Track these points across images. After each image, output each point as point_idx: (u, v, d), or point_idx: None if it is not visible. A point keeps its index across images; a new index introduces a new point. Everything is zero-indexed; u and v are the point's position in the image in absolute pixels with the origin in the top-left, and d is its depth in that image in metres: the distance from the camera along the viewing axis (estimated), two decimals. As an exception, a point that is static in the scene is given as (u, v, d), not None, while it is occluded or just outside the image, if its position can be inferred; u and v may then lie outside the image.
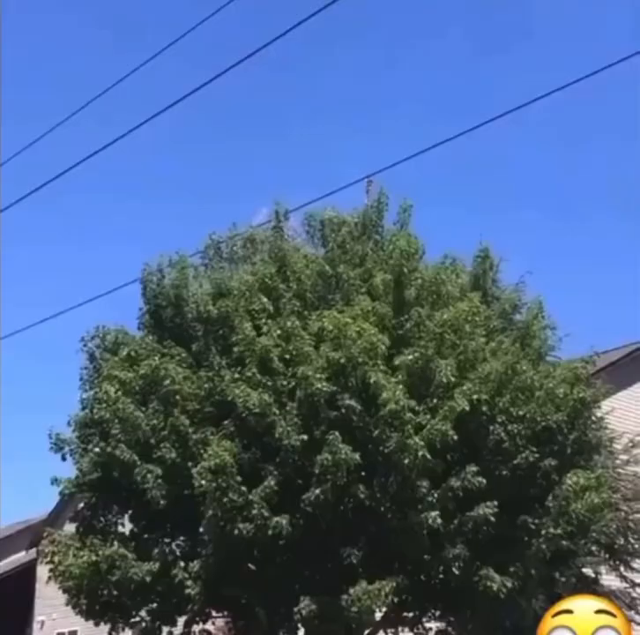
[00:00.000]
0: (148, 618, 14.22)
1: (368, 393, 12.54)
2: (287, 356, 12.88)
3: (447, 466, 12.56)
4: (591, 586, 14.68)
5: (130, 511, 14.21)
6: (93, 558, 13.20)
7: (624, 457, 17.09)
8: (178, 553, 13.40)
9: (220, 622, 15.39)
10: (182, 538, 13.73)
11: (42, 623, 29.28)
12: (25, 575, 29.63)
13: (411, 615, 14.38)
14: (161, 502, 12.84)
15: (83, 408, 14.31)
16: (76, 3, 48.35)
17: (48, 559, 13.96)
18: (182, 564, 13.02)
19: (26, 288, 54.03)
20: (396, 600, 12.59)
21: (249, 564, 13.10)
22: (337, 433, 12.08)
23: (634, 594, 16.70)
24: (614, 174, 45.81)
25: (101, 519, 14.37)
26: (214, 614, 14.44)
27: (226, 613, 14.49)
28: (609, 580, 16.45)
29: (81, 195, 45.97)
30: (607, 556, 15.96)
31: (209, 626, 14.80)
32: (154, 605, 13.97)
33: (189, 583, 12.83)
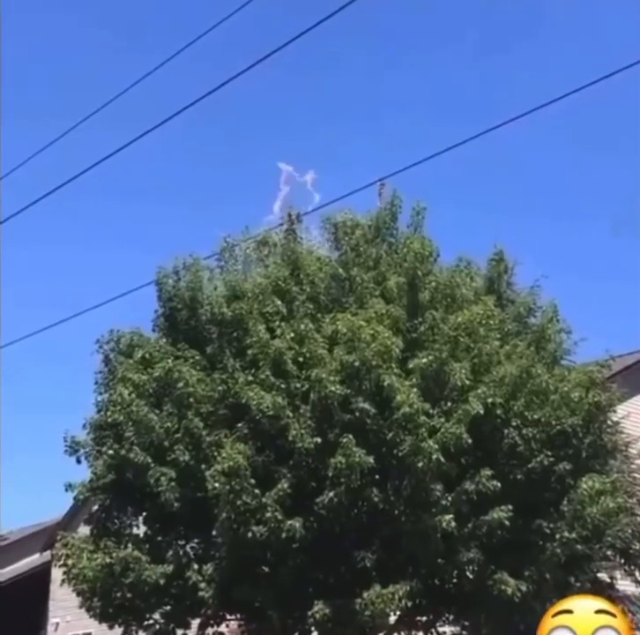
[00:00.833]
0: (162, 621, 14.22)
1: (381, 396, 12.52)
2: (301, 359, 12.88)
3: (461, 469, 12.52)
4: (606, 591, 14.60)
5: (143, 514, 14.22)
6: (107, 561, 13.23)
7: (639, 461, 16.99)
8: (192, 555, 13.42)
9: (234, 625, 15.35)
10: (195, 540, 13.73)
11: (56, 625, 29.32)
12: (39, 577, 29.67)
13: (424, 619, 14.33)
14: (175, 504, 12.86)
15: (98, 411, 14.34)
16: (81, 4, 48.53)
17: (62, 562, 13.99)
18: (195, 566, 13.03)
19: (41, 291, 54.26)
20: (409, 603, 12.52)
21: (263, 567, 13.10)
22: (350, 436, 12.07)
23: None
24: (631, 176, 45.61)
25: (115, 521, 14.38)
26: (228, 617, 14.42)
27: (239, 616, 14.46)
28: (625, 585, 16.35)
29: (95, 197, 46.13)
30: (622, 560, 15.85)
31: (222, 629, 14.78)
32: (168, 607, 13.97)
33: (202, 585, 12.83)
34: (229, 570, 12.81)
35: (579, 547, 12.76)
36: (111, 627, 14.63)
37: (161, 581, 12.97)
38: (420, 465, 11.99)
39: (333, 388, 12.33)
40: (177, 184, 52.66)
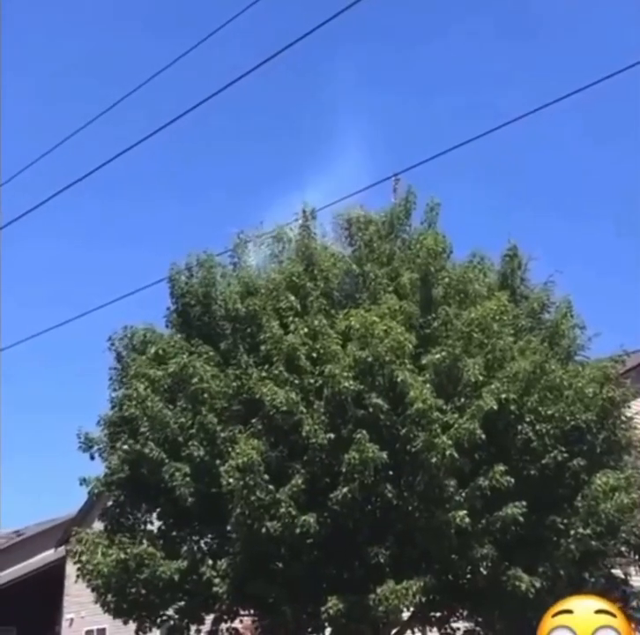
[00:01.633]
0: (176, 616, 14.28)
1: (395, 392, 12.52)
2: (315, 355, 12.89)
3: (475, 465, 12.50)
4: (620, 587, 14.57)
5: (158, 510, 14.27)
6: (122, 556, 13.27)
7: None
8: (206, 551, 13.46)
9: (248, 620, 15.39)
10: (209, 536, 13.78)
11: (71, 620, 29.47)
12: (54, 573, 29.83)
13: (438, 614, 14.33)
14: (189, 500, 12.90)
15: (112, 407, 14.40)
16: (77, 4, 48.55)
17: (76, 559, 14.05)
18: (209, 562, 13.07)
19: (52, 289, 54.47)
20: (423, 599, 12.54)
21: (277, 563, 13.10)
22: (364, 432, 12.07)
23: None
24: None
25: (129, 517, 14.44)
26: (241, 612, 14.45)
27: (252, 611, 14.49)
28: (639, 581, 16.29)
29: (105, 195, 46.30)
30: (637, 556, 15.79)
31: (237, 624, 14.82)
32: (182, 603, 14.02)
33: (216, 581, 12.86)
34: (243, 565, 12.84)
35: (593, 543, 12.72)
36: (125, 623, 14.67)
37: (176, 577, 13.01)
38: (433, 460, 11.98)
39: (347, 384, 12.34)
40: (188, 181, 52.80)
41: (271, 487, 12.22)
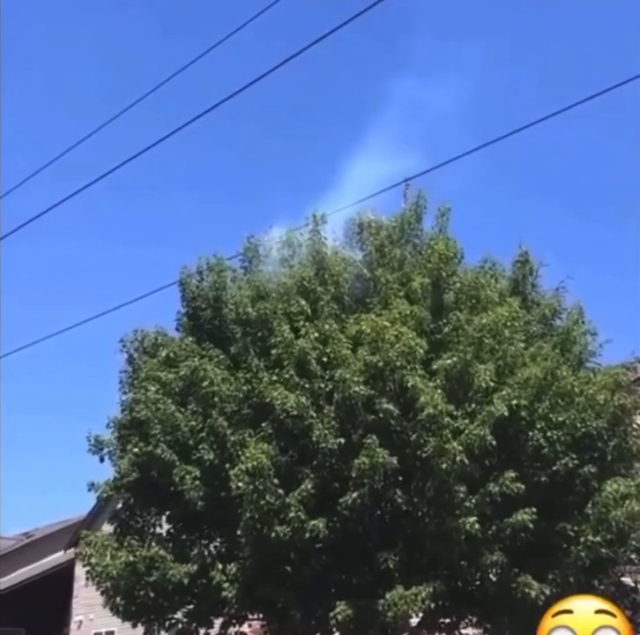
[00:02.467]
0: (184, 620, 14.27)
1: (405, 397, 12.50)
2: (325, 359, 12.89)
3: (485, 471, 12.48)
4: (629, 595, 14.50)
5: (167, 513, 14.27)
6: (131, 559, 13.29)
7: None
8: (215, 555, 13.45)
9: (257, 624, 15.38)
10: (219, 540, 13.78)
11: (80, 623, 29.49)
12: (63, 575, 29.88)
13: (447, 621, 14.28)
14: (199, 503, 12.91)
15: (123, 410, 14.41)
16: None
17: (86, 561, 14.06)
18: (219, 566, 13.06)
19: (63, 290, 54.63)
20: (432, 605, 12.51)
21: (286, 567, 13.09)
22: (374, 437, 12.06)
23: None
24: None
25: (139, 519, 14.44)
26: (250, 616, 14.44)
27: (261, 616, 14.48)
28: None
29: (118, 197, 46.44)
30: (647, 565, 15.73)
31: (245, 628, 14.81)
32: (191, 607, 14.01)
33: (226, 585, 12.86)
34: (252, 569, 12.84)
35: (603, 550, 12.66)
36: (135, 626, 14.67)
37: (185, 580, 13.02)
38: (443, 466, 11.96)
39: (357, 388, 12.33)
40: (204, 183, 52.92)
41: (280, 491, 12.21)
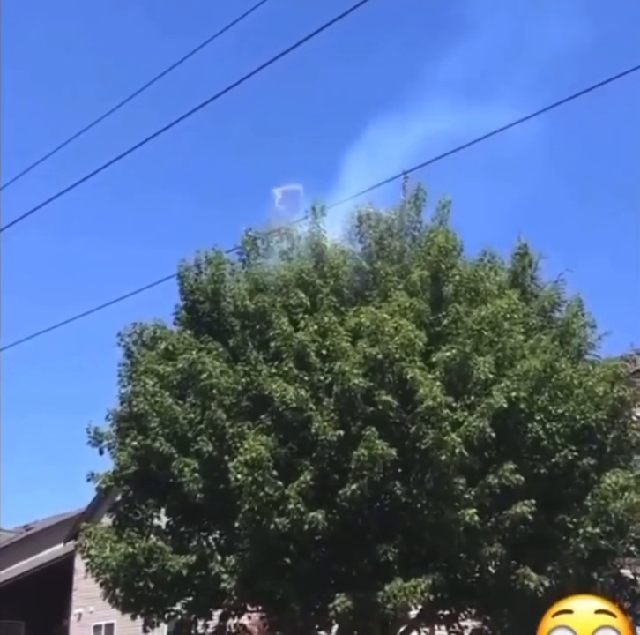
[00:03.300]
0: (184, 611, 14.30)
1: (404, 389, 12.50)
2: (324, 352, 12.89)
3: (484, 463, 12.48)
4: (628, 587, 14.53)
5: (166, 505, 14.27)
6: (130, 550, 13.29)
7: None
8: (214, 547, 13.46)
9: (256, 616, 15.41)
10: (218, 532, 13.79)
11: (80, 615, 29.53)
12: (62, 568, 29.91)
13: (446, 613, 14.32)
14: (198, 495, 12.91)
15: (121, 403, 14.41)
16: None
17: (85, 553, 14.08)
18: (218, 557, 13.07)
19: (62, 285, 54.60)
20: (431, 597, 12.52)
21: (285, 559, 13.11)
22: (373, 429, 12.06)
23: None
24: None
25: (138, 512, 14.45)
26: (249, 608, 14.46)
27: (260, 607, 14.50)
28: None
29: (115, 192, 46.38)
30: (646, 557, 15.75)
31: (244, 620, 14.83)
32: (190, 598, 14.03)
33: (224, 577, 12.88)
34: (251, 561, 12.85)
35: (602, 542, 12.69)
36: (133, 617, 14.69)
37: (184, 572, 13.03)
38: (442, 458, 11.97)
39: (356, 381, 12.33)
40: (198, 179, 52.82)
41: (279, 483, 12.22)
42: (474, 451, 12.22)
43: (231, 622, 14.49)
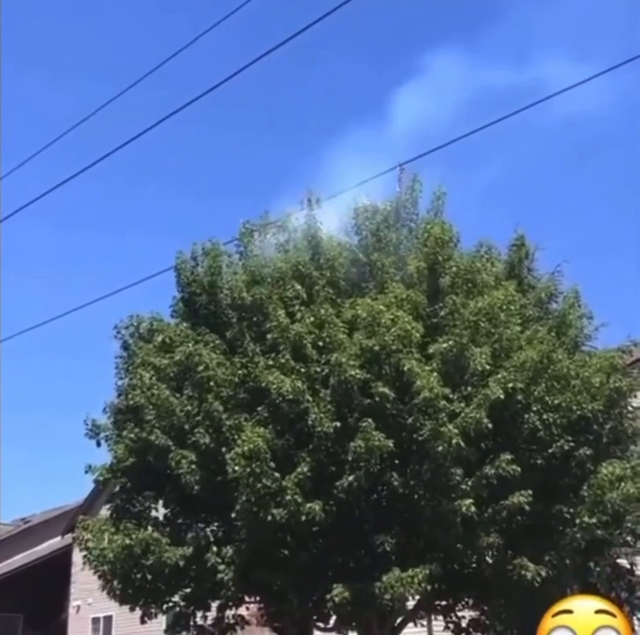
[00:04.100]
0: (181, 603, 14.32)
1: (401, 381, 12.52)
2: (321, 343, 12.91)
3: (481, 454, 12.50)
4: (625, 577, 14.58)
5: (164, 497, 14.29)
6: (127, 542, 13.30)
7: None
8: (211, 538, 13.49)
9: (254, 607, 15.44)
10: (215, 523, 13.81)
11: (78, 607, 29.62)
12: (61, 560, 29.98)
13: (444, 603, 14.36)
14: (195, 487, 12.92)
15: (118, 395, 14.42)
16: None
17: (83, 546, 14.10)
18: (215, 549, 13.08)
19: (59, 277, 54.53)
20: (429, 588, 12.54)
21: (282, 550, 13.13)
22: (370, 420, 12.08)
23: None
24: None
25: (136, 504, 14.46)
26: (247, 599, 14.49)
27: (258, 598, 14.53)
28: (644, 572, 16.29)
29: (112, 183, 46.28)
30: (642, 546, 15.80)
31: (242, 611, 14.86)
32: (188, 590, 14.06)
33: (222, 568, 12.89)
34: (249, 552, 12.87)
35: (599, 532, 12.72)
36: (132, 610, 14.71)
37: (181, 563, 13.05)
38: (439, 449, 11.99)
39: (353, 372, 12.35)
40: (200, 171, 52.77)
41: (276, 475, 12.23)
42: (471, 442, 12.23)
43: (229, 613, 14.52)
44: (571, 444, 12.72)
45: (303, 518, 12.20)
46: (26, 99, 49.45)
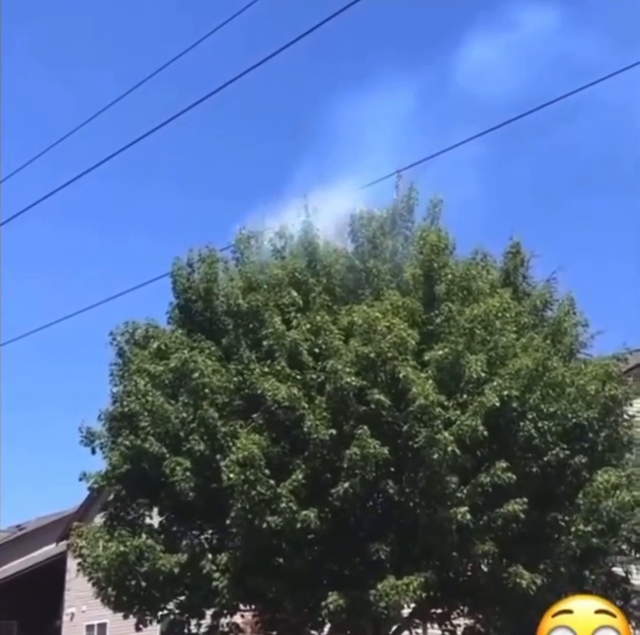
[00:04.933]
0: (176, 611, 14.28)
1: (397, 388, 12.51)
2: (317, 350, 12.90)
3: (476, 461, 12.51)
4: (620, 585, 14.55)
5: (158, 504, 14.26)
6: (121, 549, 13.26)
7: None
8: (206, 545, 13.45)
9: (248, 615, 15.40)
10: (210, 530, 13.78)
11: (72, 615, 29.53)
12: (55, 567, 29.92)
13: (439, 611, 14.34)
14: (190, 494, 12.89)
15: (113, 402, 14.39)
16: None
17: (77, 553, 14.06)
18: (209, 556, 13.06)
19: (56, 282, 54.47)
20: (424, 595, 12.52)
21: (277, 558, 13.10)
22: (366, 427, 12.07)
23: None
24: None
25: (130, 511, 14.43)
26: (242, 607, 14.45)
27: (253, 606, 14.49)
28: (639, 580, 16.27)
29: (108, 187, 46.22)
30: (638, 554, 15.77)
31: (237, 619, 14.82)
32: (182, 597, 14.02)
33: (216, 575, 12.87)
34: (244, 560, 12.85)
35: (594, 540, 12.73)
36: (126, 617, 14.66)
37: (176, 570, 13.01)
38: (435, 457, 11.98)
39: (349, 379, 12.34)
40: (198, 174, 52.82)
41: (271, 482, 12.22)
42: (467, 450, 12.24)
43: (224, 621, 14.48)
44: (566, 451, 12.72)
45: (298, 525, 12.19)
46: (27, 99, 49.44)
